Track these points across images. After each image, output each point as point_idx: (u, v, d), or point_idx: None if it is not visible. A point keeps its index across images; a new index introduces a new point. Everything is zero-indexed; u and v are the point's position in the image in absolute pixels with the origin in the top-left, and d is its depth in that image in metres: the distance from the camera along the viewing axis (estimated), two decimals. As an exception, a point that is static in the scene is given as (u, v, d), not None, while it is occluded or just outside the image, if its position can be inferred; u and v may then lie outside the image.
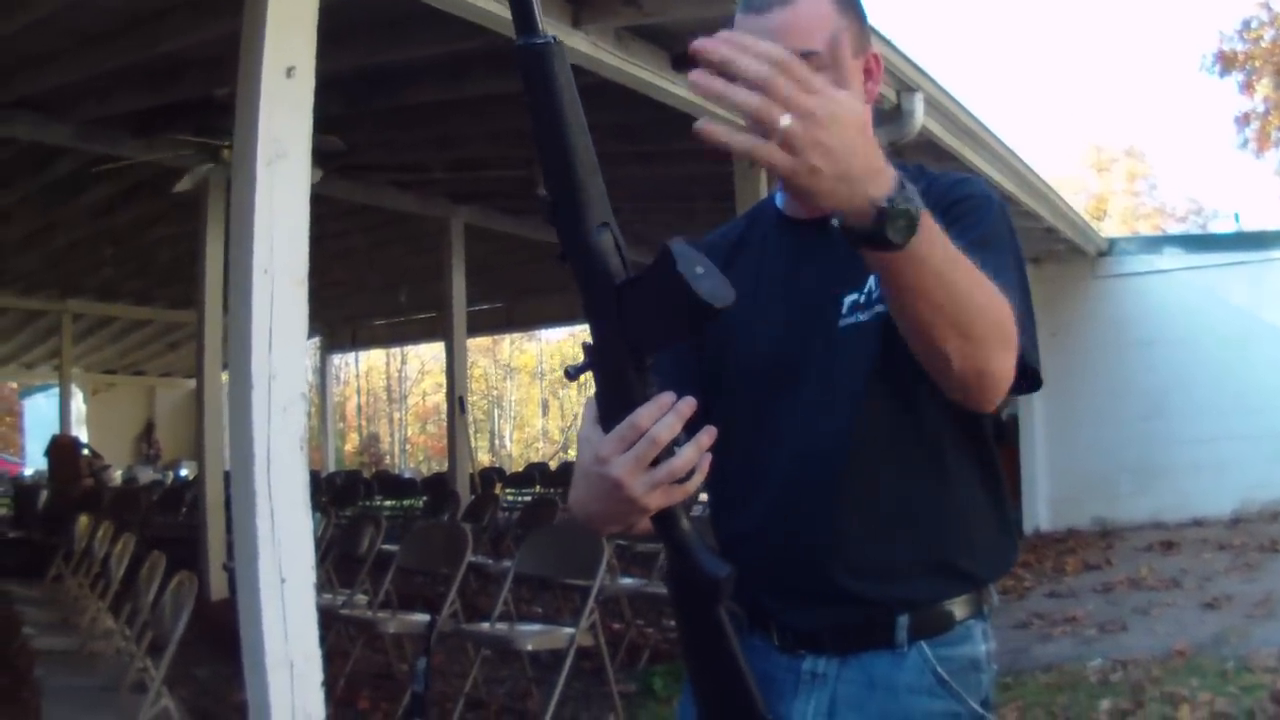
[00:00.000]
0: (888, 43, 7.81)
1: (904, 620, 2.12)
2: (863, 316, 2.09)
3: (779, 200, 2.36)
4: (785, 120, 1.41)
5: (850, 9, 2.15)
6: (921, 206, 1.58)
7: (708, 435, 1.62)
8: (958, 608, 2.16)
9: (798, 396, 2.08)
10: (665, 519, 1.71)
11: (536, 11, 1.59)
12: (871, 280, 2.08)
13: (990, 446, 2.21)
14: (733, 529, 2.22)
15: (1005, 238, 2.05)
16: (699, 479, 1.62)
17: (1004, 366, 1.88)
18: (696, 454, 1.60)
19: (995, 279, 1.78)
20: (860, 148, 1.50)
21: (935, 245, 1.66)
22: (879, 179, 1.53)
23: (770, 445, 2.13)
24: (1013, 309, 1.86)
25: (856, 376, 2.06)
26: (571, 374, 1.73)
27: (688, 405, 1.59)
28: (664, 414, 1.58)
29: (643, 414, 1.58)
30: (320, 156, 5.17)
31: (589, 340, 1.66)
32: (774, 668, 2.16)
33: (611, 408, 1.64)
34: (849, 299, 2.12)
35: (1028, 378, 2.01)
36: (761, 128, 1.43)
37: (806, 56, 1.97)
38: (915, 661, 2.13)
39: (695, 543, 1.73)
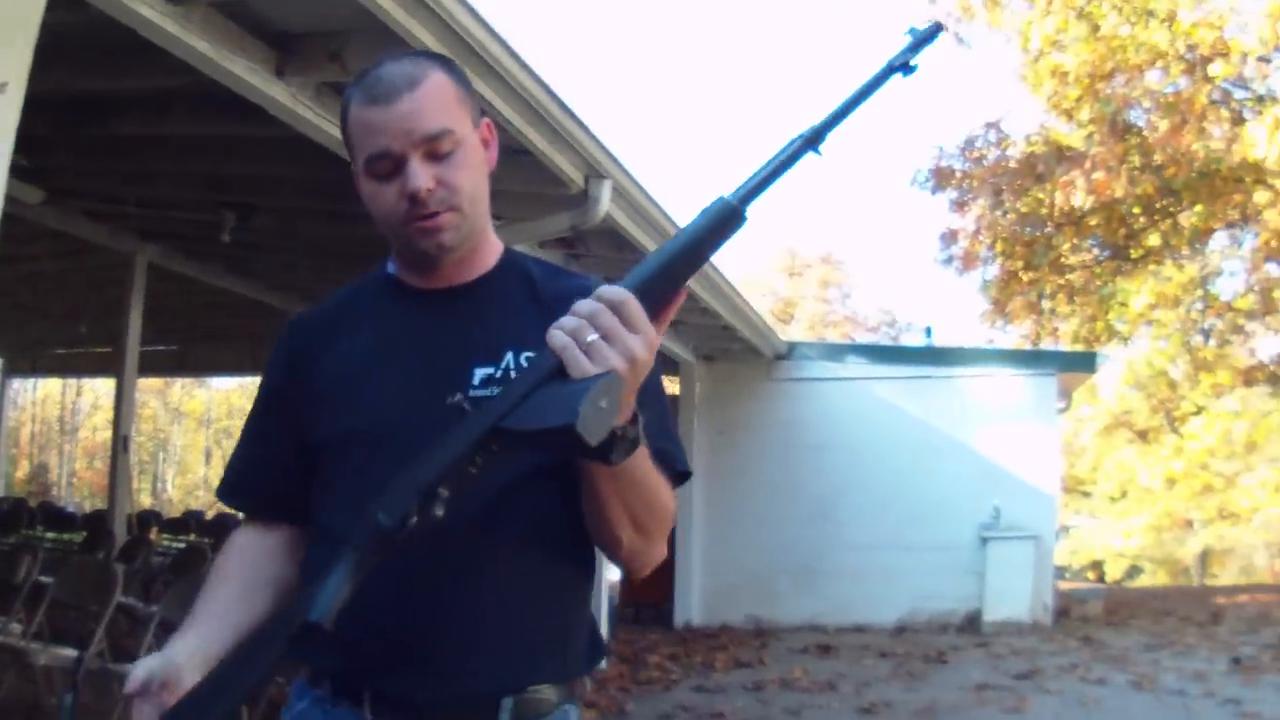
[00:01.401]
0: (580, 124, 7.96)
1: (508, 702, 2.19)
2: (496, 391, 2.15)
3: (392, 268, 2.44)
4: (590, 336, 1.80)
5: (464, 82, 2.30)
6: (642, 435, 1.94)
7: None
8: (555, 692, 2.26)
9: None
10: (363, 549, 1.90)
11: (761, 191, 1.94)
12: (509, 357, 2.22)
13: (589, 540, 2.28)
14: None
15: None
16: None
17: (661, 554, 2.25)
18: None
19: (651, 399, 2.08)
20: (635, 388, 1.88)
21: (640, 461, 2.00)
22: (628, 412, 1.89)
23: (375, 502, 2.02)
24: (668, 425, 2.30)
25: None
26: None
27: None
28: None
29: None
30: (20, 172, 5.18)
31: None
32: None
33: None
34: (482, 371, 2.22)
35: (679, 480, 2.27)
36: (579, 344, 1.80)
37: (440, 137, 2.18)
38: None
39: (330, 581, 1.88)
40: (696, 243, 1.91)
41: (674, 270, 1.91)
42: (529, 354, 2.16)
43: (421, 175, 2.15)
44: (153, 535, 17.31)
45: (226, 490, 2.56)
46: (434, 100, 2.19)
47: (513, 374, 2.18)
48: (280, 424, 2.41)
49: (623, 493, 2.06)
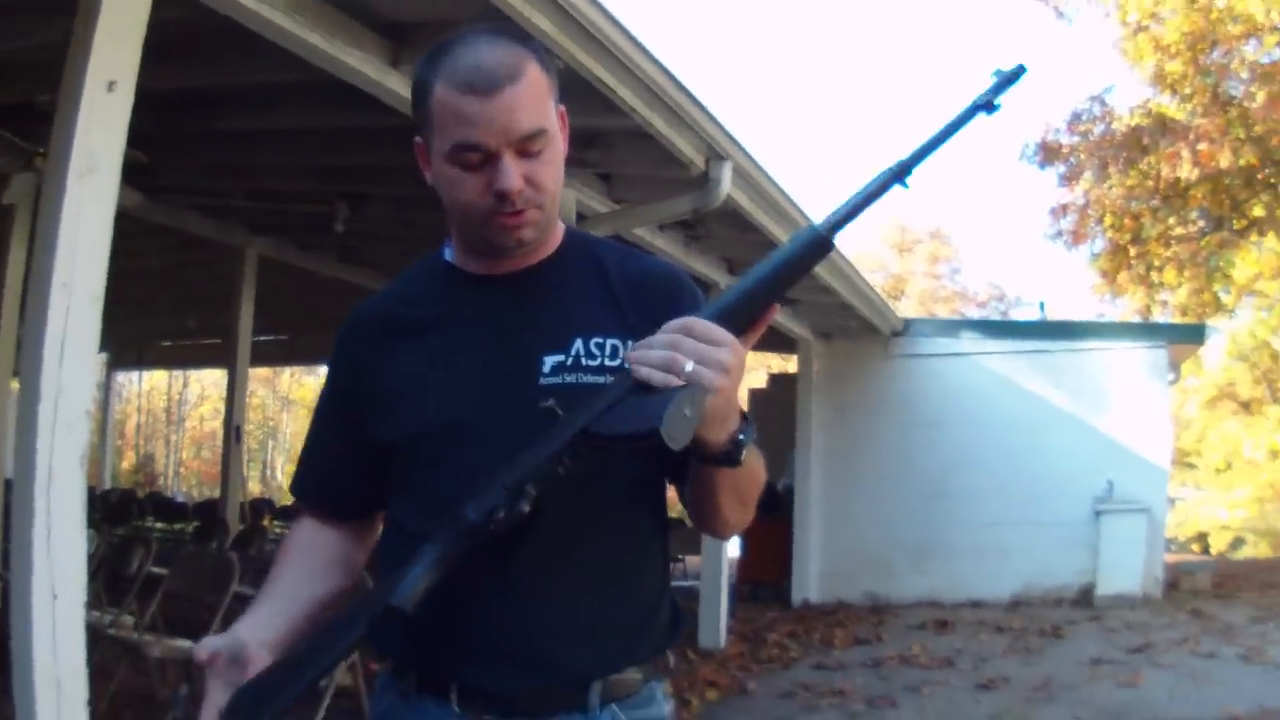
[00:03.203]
0: (703, 109, 7.87)
1: (597, 685, 2.18)
2: (569, 379, 2.17)
3: (449, 254, 2.39)
4: (689, 366, 1.81)
5: (551, 69, 2.22)
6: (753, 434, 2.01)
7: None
8: (642, 671, 2.25)
9: (489, 455, 2.02)
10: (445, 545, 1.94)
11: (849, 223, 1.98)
12: (579, 344, 2.20)
13: (665, 520, 2.34)
14: None
15: None
16: None
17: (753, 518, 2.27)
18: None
19: None
20: (736, 394, 1.94)
21: (751, 454, 2.03)
22: (737, 416, 1.97)
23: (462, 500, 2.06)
24: None
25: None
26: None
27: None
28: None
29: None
30: (126, 173, 5.11)
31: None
32: None
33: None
34: (552, 359, 2.19)
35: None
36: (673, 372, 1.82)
37: (536, 136, 2.12)
38: None
39: (413, 570, 1.92)
40: (785, 270, 1.98)
41: (760, 296, 1.97)
42: (598, 339, 2.20)
43: (514, 175, 2.10)
44: (266, 523, 17.20)
45: (297, 487, 2.55)
46: (532, 96, 2.12)
47: (583, 360, 2.19)
48: (346, 422, 2.38)
49: (734, 480, 2.08)
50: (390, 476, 2.30)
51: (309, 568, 2.40)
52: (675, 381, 1.80)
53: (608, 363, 2.18)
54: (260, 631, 2.18)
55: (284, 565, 2.41)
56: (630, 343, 2.06)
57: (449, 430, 2.18)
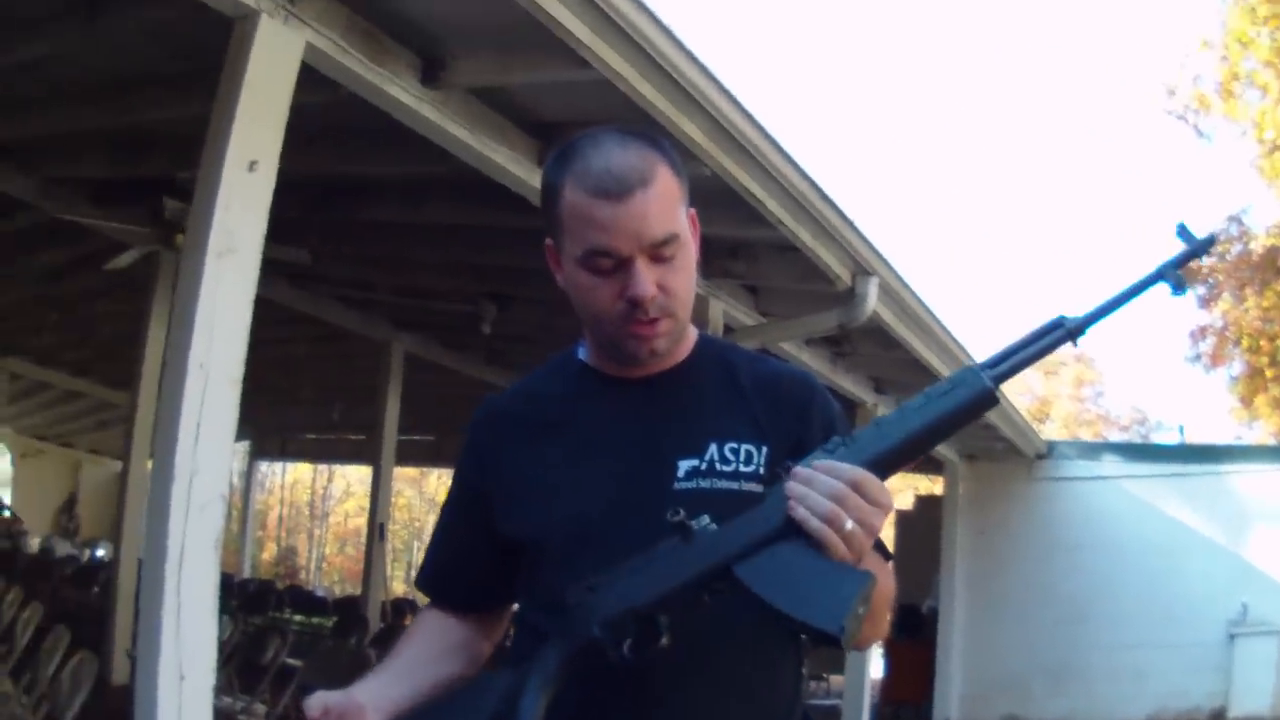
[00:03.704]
0: (849, 223, 7.79)
1: None
2: (704, 484, 2.10)
3: (582, 354, 2.34)
4: (849, 525, 1.78)
5: (681, 171, 2.17)
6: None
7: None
8: None
9: (620, 556, 1.97)
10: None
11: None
12: (713, 448, 2.13)
13: (800, 640, 2.25)
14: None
15: None
16: None
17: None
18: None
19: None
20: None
21: (881, 569, 2.02)
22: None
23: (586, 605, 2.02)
24: None
25: None
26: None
27: None
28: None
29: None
30: (278, 263, 5.10)
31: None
32: None
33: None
34: (686, 463, 2.12)
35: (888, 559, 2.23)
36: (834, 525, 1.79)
37: (668, 242, 2.08)
38: None
39: (532, 685, 1.92)
40: (950, 421, 1.90)
41: (924, 445, 1.91)
42: (732, 444, 2.14)
43: (647, 282, 2.06)
44: (406, 622, 17.17)
45: (424, 582, 2.51)
46: (664, 201, 2.08)
47: (718, 466, 2.13)
48: (473, 519, 2.32)
49: (872, 615, 1.96)
50: (519, 574, 2.25)
51: (432, 650, 2.34)
52: (834, 538, 1.78)
53: (742, 468, 2.12)
54: (376, 697, 2.12)
55: (407, 644, 2.36)
56: (765, 449, 2.12)
57: (578, 531, 2.12)
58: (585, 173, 2.05)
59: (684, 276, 2.12)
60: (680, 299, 2.13)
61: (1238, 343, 25.29)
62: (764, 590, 1.80)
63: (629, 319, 2.08)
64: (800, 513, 1.79)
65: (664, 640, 1.87)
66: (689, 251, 2.14)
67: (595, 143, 2.10)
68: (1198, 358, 26.84)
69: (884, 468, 1.84)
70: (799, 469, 1.84)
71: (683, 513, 1.90)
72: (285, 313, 12.09)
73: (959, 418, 1.88)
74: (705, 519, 1.90)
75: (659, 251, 2.06)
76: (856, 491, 1.79)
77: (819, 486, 1.80)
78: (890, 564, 2.20)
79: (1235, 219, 25.17)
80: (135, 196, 9.52)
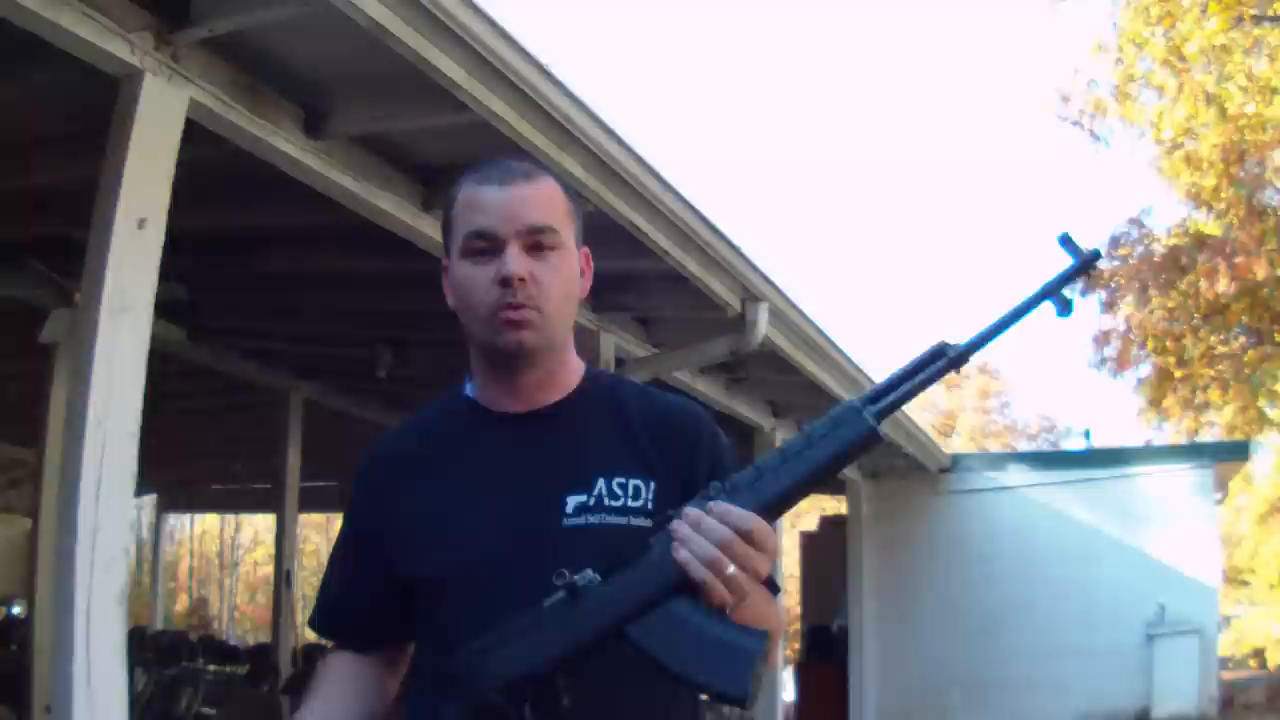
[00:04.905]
0: (736, 250, 7.87)
1: None
2: (592, 519, 2.14)
3: (469, 389, 2.38)
4: (730, 569, 1.83)
5: (576, 205, 2.31)
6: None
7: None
8: None
9: (513, 595, 1.99)
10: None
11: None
12: (601, 484, 2.17)
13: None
14: None
15: None
16: None
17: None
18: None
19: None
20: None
21: (774, 632, 2.03)
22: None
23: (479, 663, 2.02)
24: None
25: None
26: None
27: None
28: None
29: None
30: (167, 311, 5.09)
31: None
32: None
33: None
34: (574, 499, 2.15)
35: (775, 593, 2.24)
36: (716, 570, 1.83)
37: (545, 231, 2.18)
38: None
39: None
40: (835, 463, 1.93)
41: (809, 487, 1.94)
42: (620, 479, 2.18)
43: (518, 261, 2.13)
44: (318, 667, 17.14)
45: (317, 622, 2.55)
46: (546, 198, 2.21)
47: (605, 500, 2.16)
48: (365, 558, 2.35)
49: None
50: (414, 613, 2.27)
51: (345, 695, 2.38)
52: (714, 583, 1.82)
53: (630, 503, 2.16)
54: None
55: (319, 692, 2.40)
56: (653, 484, 2.17)
57: (469, 572, 2.15)
58: (477, 173, 2.21)
59: (558, 279, 2.19)
60: (550, 296, 2.17)
61: (1144, 345, 25.48)
62: (661, 654, 1.85)
63: (501, 305, 2.13)
64: (683, 555, 1.83)
65: (565, 701, 1.89)
66: (568, 260, 2.22)
67: (494, 160, 2.25)
68: (1103, 362, 26.99)
69: (768, 513, 1.88)
70: (689, 510, 1.88)
71: (567, 574, 1.92)
72: (184, 365, 12.01)
73: (842, 460, 1.92)
74: (589, 573, 1.93)
75: (536, 240, 2.15)
76: (742, 536, 1.83)
77: (705, 531, 1.84)
78: (778, 597, 2.24)
79: (1136, 221, 25.40)
80: (39, 257, 9.46)
